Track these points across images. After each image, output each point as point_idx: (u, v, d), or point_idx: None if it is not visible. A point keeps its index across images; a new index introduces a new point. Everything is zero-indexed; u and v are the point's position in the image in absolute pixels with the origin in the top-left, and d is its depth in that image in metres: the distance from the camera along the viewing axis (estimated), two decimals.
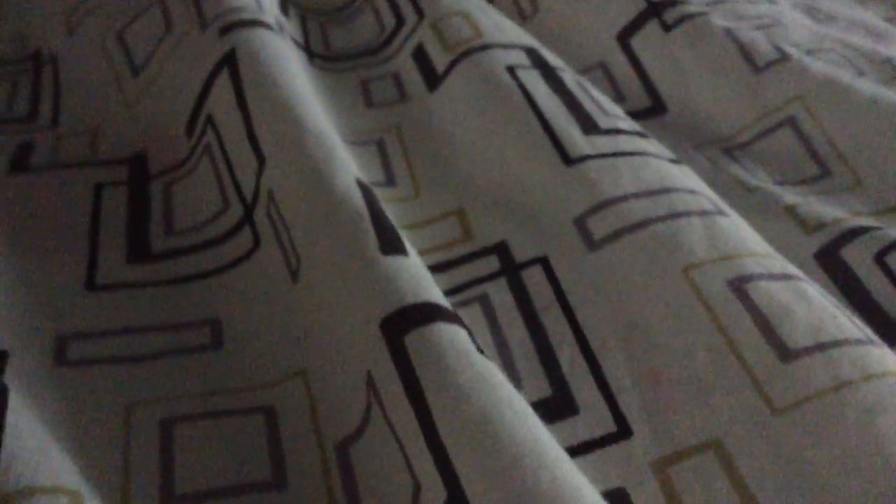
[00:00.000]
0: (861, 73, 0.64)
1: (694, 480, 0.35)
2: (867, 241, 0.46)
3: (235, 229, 0.49)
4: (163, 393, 0.40)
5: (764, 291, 0.39)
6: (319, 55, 0.67)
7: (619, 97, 0.63)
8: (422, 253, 0.46)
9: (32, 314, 0.44)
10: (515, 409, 0.32)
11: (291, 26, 0.67)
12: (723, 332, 0.39)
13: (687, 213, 0.44)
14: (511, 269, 0.46)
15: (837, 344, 0.37)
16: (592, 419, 0.38)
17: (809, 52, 0.66)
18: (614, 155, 0.48)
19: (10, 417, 0.33)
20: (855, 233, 0.47)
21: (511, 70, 0.55)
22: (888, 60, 0.65)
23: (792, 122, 0.57)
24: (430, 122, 0.57)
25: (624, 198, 0.45)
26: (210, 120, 0.54)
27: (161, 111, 0.59)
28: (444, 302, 0.37)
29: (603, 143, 0.49)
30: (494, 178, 0.51)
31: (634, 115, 0.60)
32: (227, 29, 0.57)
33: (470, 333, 0.36)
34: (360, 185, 0.44)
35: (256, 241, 0.48)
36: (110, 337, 0.43)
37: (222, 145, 0.52)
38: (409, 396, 0.33)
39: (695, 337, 0.39)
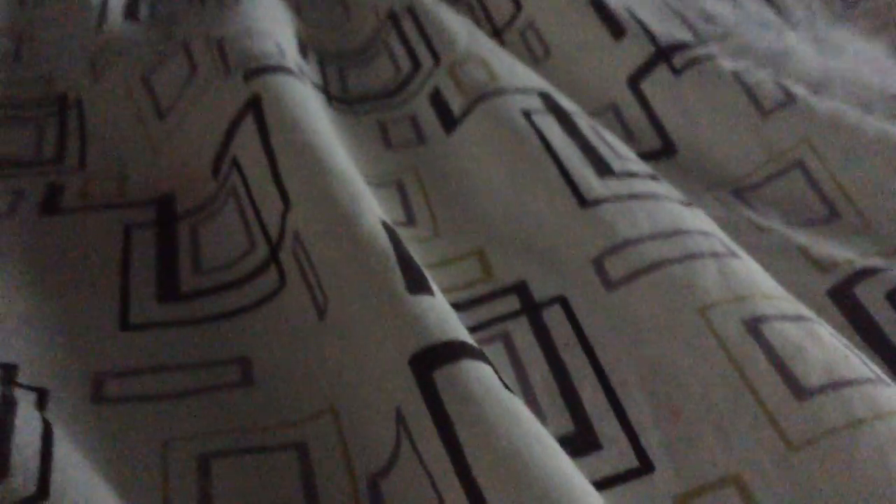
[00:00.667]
0: (869, 109, 0.65)
1: None
2: (878, 281, 0.48)
3: (261, 269, 0.51)
4: (198, 429, 0.41)
5: (778, 332, 0.41)
6: (338, 98, 0.69)
7: (630, 139, 0.65)
8: (443, 291, 0.47)
9: (69, 353, 0.45)
10: (543, 443, 0.34)
11: (310, 70, 0.69)
12: (739, 371, 0.40)
13: (701, 255, 0.45)
14: (531, 308, 0.47)
15: (850, 383, 0.39)
16: (615, 454, 0.39)
17: (816, 89, 0.67)
18: (629, 198, 0.50)
19: (58, 452, 0.35)
20: (867, 272, 0.48)
21: (526, 114, 0.57)
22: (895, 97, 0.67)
23: (801, 165, 0.58)
24: (448, 163, 0.59)
25: (639, 240, 0.47)
26: (235, 162, 0.56)
27: (187, 153, 0.61)
28: (469, 339, 0.39)
29: (617, 186, 0.51)
30: (513, 220, 0.53)
31: (646, 156, 0.62)
32: (251, 74, 0.59)
33: (495, 370, 0.37)
34: (385, 226, 0.45)
35: (282, 281, 0.50)
36: (145, 375, 0.44)
37: (247, 187, 0.54)
38: (440, 431, 0.35)
39: (712, 375, 0.40)
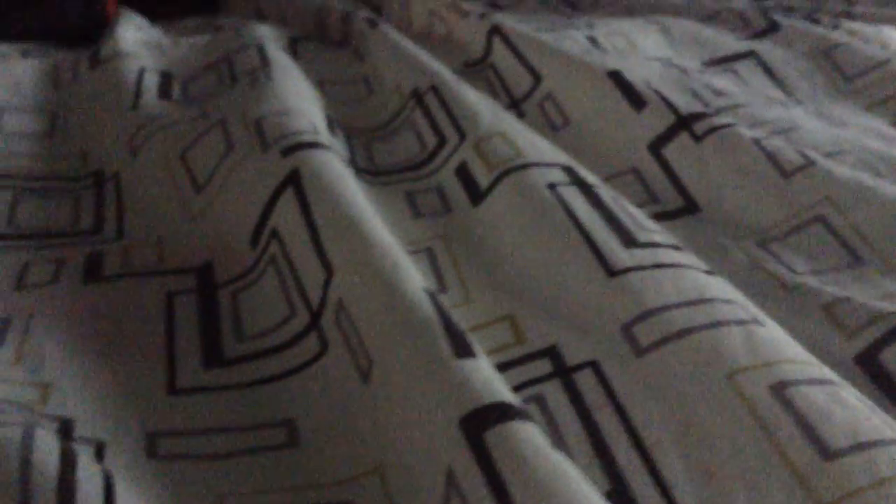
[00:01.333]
0: (879, 174, 0.69)
1: None
2: None
3: (302, 335, 0.53)
4: (250, 487, 0.43)
5: (804, 396, 0.43)
6: (365, 170, 0.72)
7: (652, 199, 0.68)
8: None
9: (121, 413, 0.47)
10: (592, 500, 0.35)
11: (338, 144, 0.72)
12: (768, 433, 0.42)
13: (726, 323, 0.47)
14: (563, 372, 0.49)
15: (874, 444, 0.40)
16: None
17: (830, 155, 0.71)
18: (654, 267, 0.52)
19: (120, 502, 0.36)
20: (892, 335, 0.51)
21: (552, 187, 0.60)
22: None
23: (822, 219, 0.62)
24: (476, 233, 0.62)
25: (666, 307, 0.49)
26: (275, 233, 0.58)
27: (225, 224, 0.63)
28: (515, 401, 0.41)
29: (642, 256, 0.53)
30: (542, 287, 0.55)
31: (669, 214, 0.65)
32: (288, 151, 0.62)
33: (542, 430, 0.39)
34: (428, 293, 0.48)
35: (324, 346, 0.52)
36: (195, 436, 0.46)
37: (287, 256, 0.57)
38: (493, 491, 0.36)
39: (742, 437, 0.42)
